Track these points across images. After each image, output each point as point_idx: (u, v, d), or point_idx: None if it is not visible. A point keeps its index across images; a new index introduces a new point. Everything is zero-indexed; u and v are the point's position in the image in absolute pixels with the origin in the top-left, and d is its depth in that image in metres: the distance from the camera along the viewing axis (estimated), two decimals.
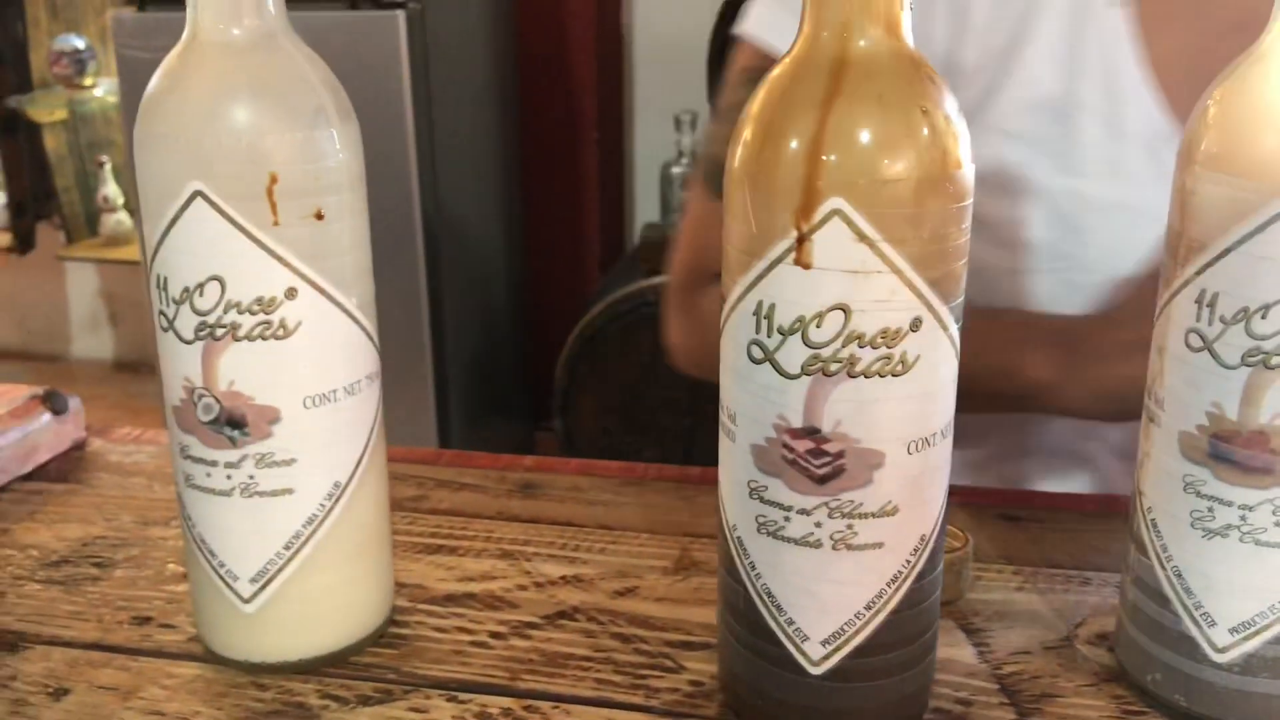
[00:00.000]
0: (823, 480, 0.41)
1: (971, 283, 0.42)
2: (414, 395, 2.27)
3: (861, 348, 0.40)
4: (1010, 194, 0.72)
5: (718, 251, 0.43)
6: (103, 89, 3.23)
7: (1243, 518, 0.43)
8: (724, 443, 0.44)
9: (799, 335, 0.40)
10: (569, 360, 2.18)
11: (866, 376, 0.40)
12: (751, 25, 0.77)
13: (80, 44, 3.19)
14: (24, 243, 3.34)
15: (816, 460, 0.41)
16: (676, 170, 2.46)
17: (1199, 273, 0.42)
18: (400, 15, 2.10)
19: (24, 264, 3.37)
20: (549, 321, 2.65)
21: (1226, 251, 0.42)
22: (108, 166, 3.22)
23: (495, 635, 0.53)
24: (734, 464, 0.44)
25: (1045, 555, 0.59)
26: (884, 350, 0.40)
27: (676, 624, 0.54)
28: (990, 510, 0.64)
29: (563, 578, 0.58)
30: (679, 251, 0.83)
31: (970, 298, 0.43)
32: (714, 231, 0.79)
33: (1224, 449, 0.43)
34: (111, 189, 3.22)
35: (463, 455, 0.72)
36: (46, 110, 3.25)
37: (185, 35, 0.45)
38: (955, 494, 0.64)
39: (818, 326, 0.40)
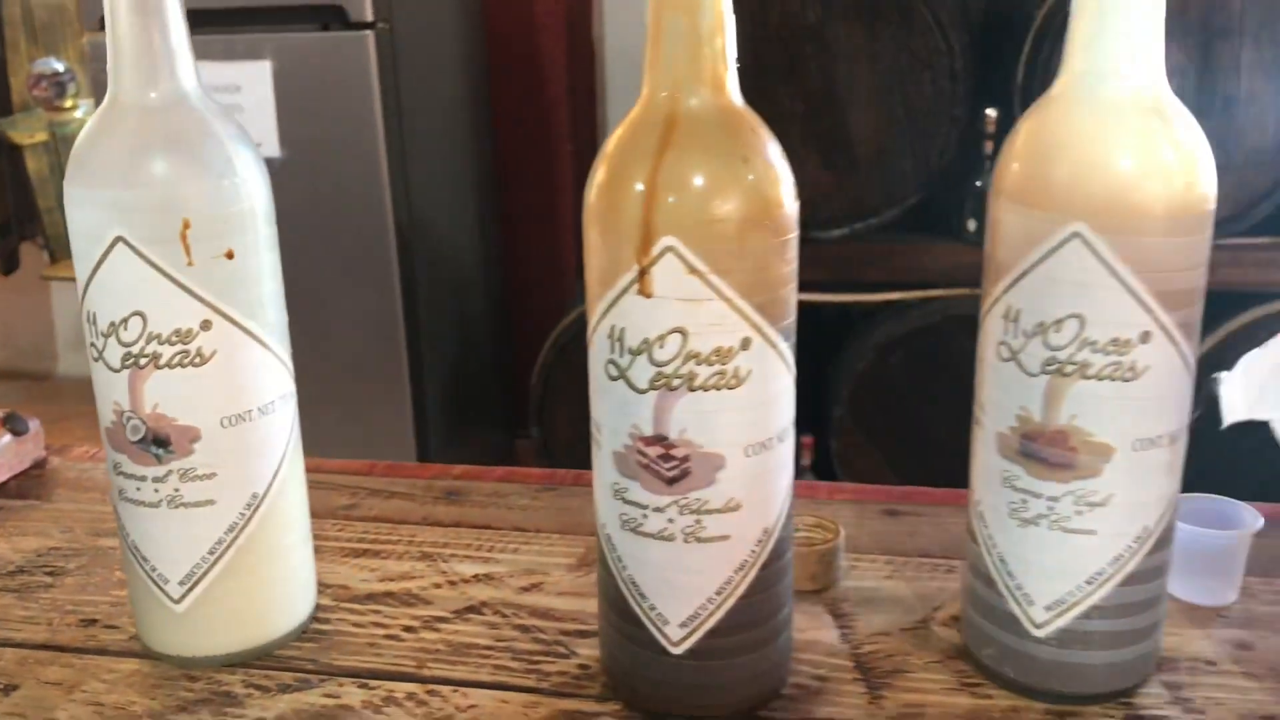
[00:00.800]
0: (672, 482, 0.47)
1: None
2: (392, 407, 2.32)
3: (699, 365, 0.45)
4: None
5: None
6: (83, 110, 3.28)
7: (1050, 508, 0.49)
8: (594, 450, 0.50)
9: (645, 355, 0.46)
10: (545, 368, 2.24)
11: (705, 390, 0.46)
12: None
13: (59, 67, 3.24)
14: (8, 263, 3.39)
15: (666, 464, 0.47)
16: None
17: (1005, 292, 0.48)
18: (369, 35, 2.16)
19: (9, 284, 3.42)
20: (526, 330, 2.70)
21: (1025, 273, 0.47)
22: None
23: (408, 629, 0.58)
24: (601, 469, 0.49)
25: (918, 546, 0.65)
26: (718, 367, 0.45)
27: (574, 615, 0.59)
28: (875, 506, 0.70)
29: (475, 576, 0.63)
30: None
31: None
32: None
33: (1032, 447, 0.48)
34: None
35: (395, 466, 0.77)
36: (27, 133, 3.30)
37: (107, 98, 0.50)
38: (844, 491, 0.70)
39: (660, 347, 0.45)
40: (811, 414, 2.06)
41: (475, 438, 2.67)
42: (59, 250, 3.39)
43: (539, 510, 0.71)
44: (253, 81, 2.17)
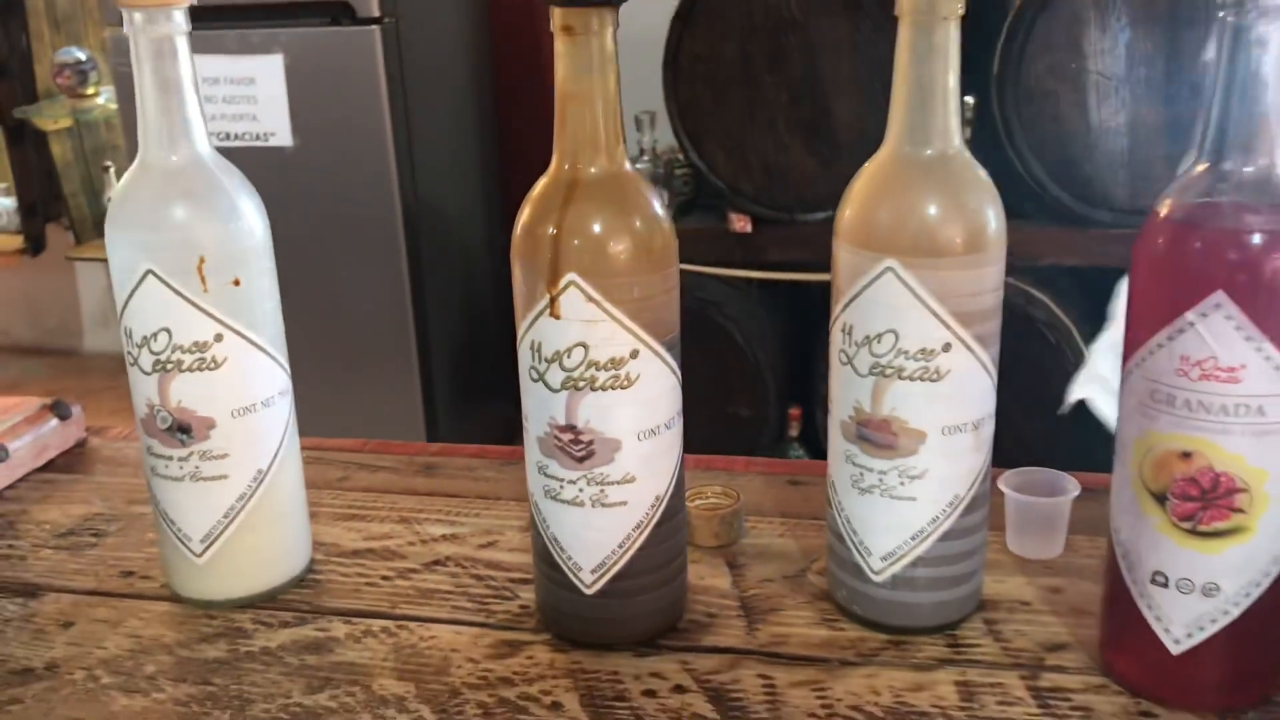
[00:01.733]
0: (581, 460, 0.60)
1: None
2: (401, 387, 2.45)
3: (598, 371, 0.59)
4: None
5: None
6: (105, 96, 3.41)
7: (880, 479, 0.62)
8: (524, 436, 0.63)
9: (557, 363, 0.59)
10: None
11: (604, 390, 0.59)
12: None
13: (82, 55, 3.37)
14: (36, 245, 3.54)
15: (576, 447, 0.60)
16: (639, 167, 2.63)
17: (842, 311, 0.61)
18: (376, 30, 2.28)
19: (36, 265, 3.57)
20: None
21: (854, 298, 0.60)
22: (111, 171, 3.41)
23: (384, 578, 0.72)
24: (529, 449, 0.63)
25: (810, 510, 0.78)
26: (614, 372, 0.59)
27: (520, 566, 0.73)
28: (782, 478, 0.83)
29: (443, 536, 0.77)
30: None
31: None
32: None
33: (864, 432, 0.62)
34: None
35: (383, 444, 0.91)
36: (52, 119, 3.44)
37: (137, 160, 0.64)
38: (757, 465, 0.84)
39: (568, 357, 0.59)
40: (799, 388, 2.19)
41: (481, 413, 2.81)
42: (83, 232, 3.54)
43: (501, 482, 0.84)
44: (266, 74, 2.29)
